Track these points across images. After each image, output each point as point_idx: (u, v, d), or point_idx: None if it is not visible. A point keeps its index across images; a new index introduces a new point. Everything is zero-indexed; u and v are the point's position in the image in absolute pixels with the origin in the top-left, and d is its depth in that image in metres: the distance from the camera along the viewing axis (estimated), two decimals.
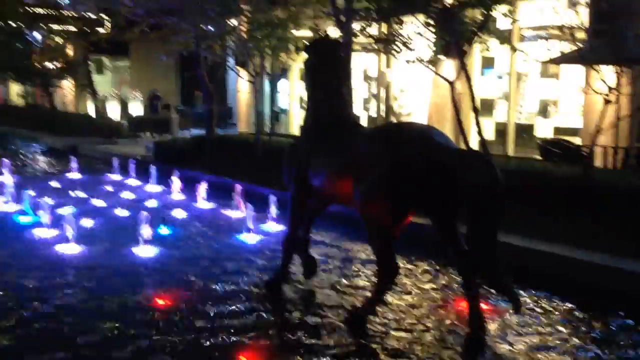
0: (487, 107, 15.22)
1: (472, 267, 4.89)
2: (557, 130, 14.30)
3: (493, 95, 15.52)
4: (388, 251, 5.15)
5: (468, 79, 9.29)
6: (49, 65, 27.14)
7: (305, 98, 6.36)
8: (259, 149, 12.95)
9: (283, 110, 21.32)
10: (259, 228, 8.55)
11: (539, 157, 12.44)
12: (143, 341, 5.02)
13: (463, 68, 9.18)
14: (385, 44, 10.76)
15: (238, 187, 9.58)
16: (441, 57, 12.24)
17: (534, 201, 7.96)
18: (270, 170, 9.63)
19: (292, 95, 20.69)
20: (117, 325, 5.33)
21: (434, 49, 10.59)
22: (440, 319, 5.56)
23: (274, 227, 8.70)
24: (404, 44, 10.42)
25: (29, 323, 5.38)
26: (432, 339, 5.15)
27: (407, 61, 10.68)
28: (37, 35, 26.45)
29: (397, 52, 10.64)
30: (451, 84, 9.72)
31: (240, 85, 21.25)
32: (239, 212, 9.38)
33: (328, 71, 6.02)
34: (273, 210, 8.86)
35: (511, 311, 5.18)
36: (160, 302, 5.99)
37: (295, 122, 20.07)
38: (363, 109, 19.13)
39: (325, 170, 5.59)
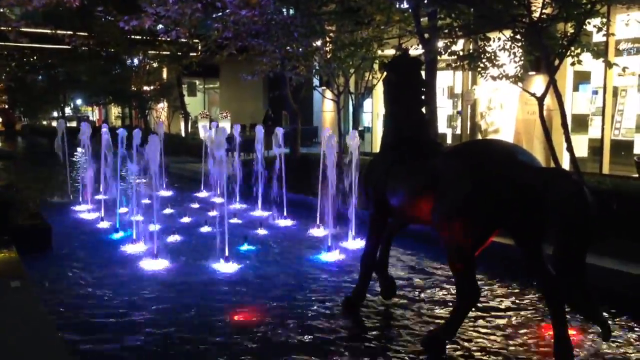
0: (581, 123, 14.55)
1: (558, 291, 4.61)
2: None
3: (587, 110, 14.82)
4: (468, 273, 4.93)
5: (558, 94, 8.89)
6: (145, 88, 28.57)
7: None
8: (341, 167, 12.94)
9: (367, 129, 21.32)
10: (338, 246, 8.53)
11: (636, 175, 11.72)
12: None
13: (552, 83, 8.80)
14: (470, 61, 10.51)
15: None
16: (530, 72, 11.82)
17: (629, 221, 7.47)
18: None
19: (376, 113, 20.66)
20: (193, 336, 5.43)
21: (521, 64, 10.23)
22: (524, 345, 5.29)
23: (353, 245, 8.65)
24: (490, 60, 10.14)
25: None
26: None
27: (493, 78, 10.38)
28: (134, 60, 27.96)
29: (483, 69, 10.36)
30: (539, 100, 9.35)
31: (326, 105, 21.48)
32: (320, 229, 9.41)
33: (408, 89, 5.91)
34: (353, 228, 8.82)
35: (600, 339, 4.85)
36: (238, 317, 6.05)
37: (378, 141, 19.96)
38: (448, 126, 18.81)
39: (403, 189, 5.46)
